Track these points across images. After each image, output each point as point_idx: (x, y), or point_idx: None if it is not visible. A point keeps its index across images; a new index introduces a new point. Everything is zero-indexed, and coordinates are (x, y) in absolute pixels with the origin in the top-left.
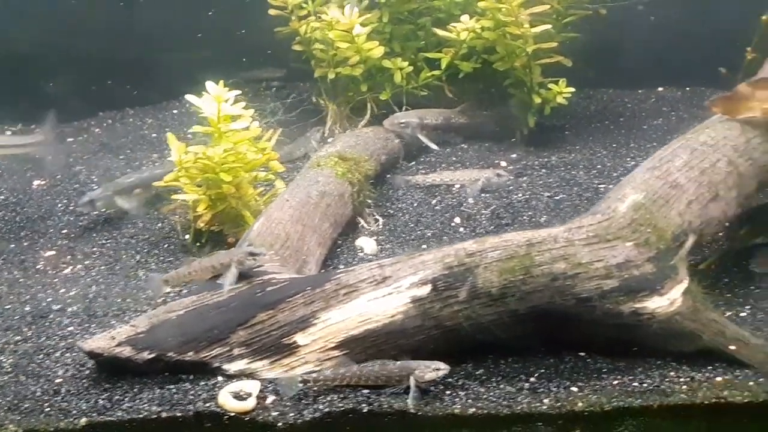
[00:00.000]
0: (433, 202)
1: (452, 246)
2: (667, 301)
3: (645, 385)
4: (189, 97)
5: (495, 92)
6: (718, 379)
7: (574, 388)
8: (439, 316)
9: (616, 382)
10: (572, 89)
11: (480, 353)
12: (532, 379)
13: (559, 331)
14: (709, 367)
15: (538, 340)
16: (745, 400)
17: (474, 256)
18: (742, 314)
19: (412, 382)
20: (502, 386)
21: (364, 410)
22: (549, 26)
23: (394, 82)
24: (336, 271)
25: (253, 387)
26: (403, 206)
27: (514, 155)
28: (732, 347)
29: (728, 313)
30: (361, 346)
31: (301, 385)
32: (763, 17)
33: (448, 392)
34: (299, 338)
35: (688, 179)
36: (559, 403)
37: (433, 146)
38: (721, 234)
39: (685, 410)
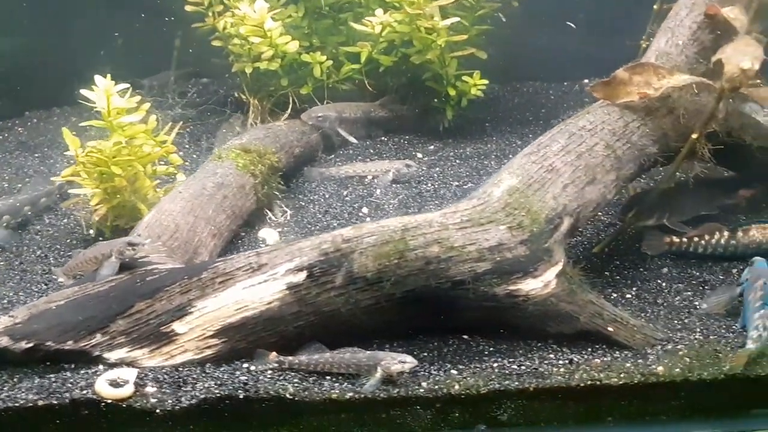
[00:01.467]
0: (345, 193)
1: (330, 233)
2: (540, 284)
3: (523, 367)
4: (83, 91)
5: (415, 85)
6: (597, 361)
7: (454, 371)
8: (317, 302)
9: (495, 364)
10: (486, 81)
11: (363, 339)
12: None
13: (439, 314)
14: (589, 349)
15: (419, 324)
16: (621, 382)
17: (350, 241)
18: (628, 296)
19: (379, 372)
20: None
21: (241, 396)
22: (458, 18)
23: (315, 77)
24: (215, 260)
25: (130, 374)
26: (314, 198)
27: (432, 147)
28: (610, 328)
29: (614, 295)
30: (240, 334)
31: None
32: (655, 6)
33: (328, 377)
34: (177, 327)
35: (564, 163)
36: (436, 386)
37: (352, 139)
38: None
39: (561, 392)
